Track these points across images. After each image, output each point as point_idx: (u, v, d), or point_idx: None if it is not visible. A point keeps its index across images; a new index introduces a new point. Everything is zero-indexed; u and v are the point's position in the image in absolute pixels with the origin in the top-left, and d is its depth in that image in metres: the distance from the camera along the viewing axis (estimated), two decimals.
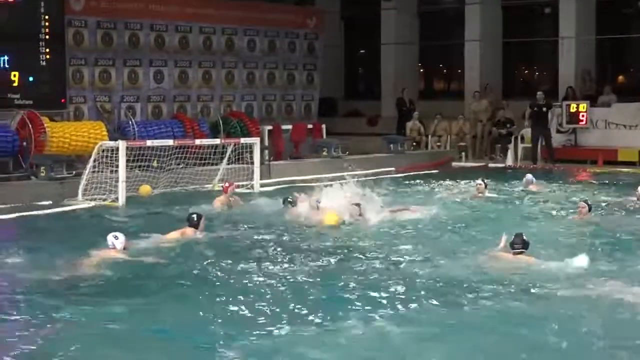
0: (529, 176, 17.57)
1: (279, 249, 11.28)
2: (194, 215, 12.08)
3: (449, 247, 11.57)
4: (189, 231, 11.84)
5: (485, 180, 16.41)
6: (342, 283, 9.52)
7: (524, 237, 10.38)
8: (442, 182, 18.53)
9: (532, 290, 9.13)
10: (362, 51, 30.85)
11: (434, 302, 8.68)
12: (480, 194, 15.96)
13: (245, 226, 13.03)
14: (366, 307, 8.41)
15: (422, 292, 9.04)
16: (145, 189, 16.52)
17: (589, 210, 13.51)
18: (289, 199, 14.16)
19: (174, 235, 11.83)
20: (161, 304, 8.76)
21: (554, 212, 14.51)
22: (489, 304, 8.68)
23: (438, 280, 9.61)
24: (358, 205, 12.91)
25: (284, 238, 12.08)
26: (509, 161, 22.97)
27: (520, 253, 10.28)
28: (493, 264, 10.31)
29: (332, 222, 12.21)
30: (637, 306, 8.49)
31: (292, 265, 10.44)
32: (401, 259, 10.72)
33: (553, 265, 10.10)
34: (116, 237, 10.65)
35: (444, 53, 29.95)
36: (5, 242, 12.31)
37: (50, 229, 13.48)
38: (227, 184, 15.72)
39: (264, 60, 24.71)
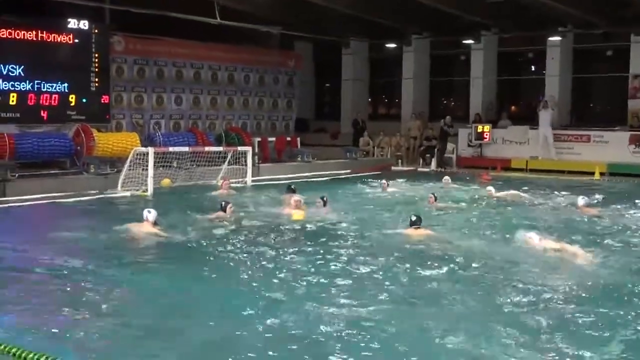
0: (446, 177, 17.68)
1: (264, 225, 11.44)
2: (223, 204, 12.12)
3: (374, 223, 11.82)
4: (220, 213, 11.87)
5: (388, 181, 16.63)
6: (302, 249, 9.68)
7: (419, 217, 10.67)
8: (378, 180, 18.28)
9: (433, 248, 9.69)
10: (327, 85, 30.84)
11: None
12: (385, 188, 16.14)
13: (243, 212, 12.91)
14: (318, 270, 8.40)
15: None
16: (165, 182, 16.43)
17: (435, 200, 13.56)
18: (291, 187, 14.17)
19: (211, 215, 11.92)
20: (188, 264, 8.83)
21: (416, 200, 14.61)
22: (407, 254, 9.28)
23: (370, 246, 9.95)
24: (322, 198, 12.93)
25: (269, 219, 12.10)
26: (433, 167, 23.08)
27: (419, 228, 10.52)
28: (406, 237, 10.51)
29: (298, 217, 12.20)
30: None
31: (271, 234, 10.63)
32: (342, 232, 10.90)
33: (436, 232, 10.70)
34: (149, 212, 10.39)
35: (387, 87, 29.92)
36: (64, 219, 12.35)
37: (97, 210, 13.48)
38: (224, 181, 15.77)
39: (256, 90, 24.71)
